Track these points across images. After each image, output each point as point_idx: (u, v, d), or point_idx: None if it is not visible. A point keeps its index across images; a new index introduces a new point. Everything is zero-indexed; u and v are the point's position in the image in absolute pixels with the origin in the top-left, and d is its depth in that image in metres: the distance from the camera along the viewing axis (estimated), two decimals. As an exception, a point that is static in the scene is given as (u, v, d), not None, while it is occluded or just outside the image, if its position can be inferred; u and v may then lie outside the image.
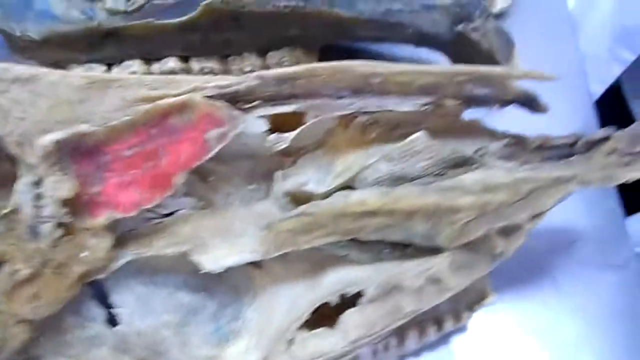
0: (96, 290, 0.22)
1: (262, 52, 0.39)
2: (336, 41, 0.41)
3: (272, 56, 0.39)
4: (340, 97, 0.25)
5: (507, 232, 0.25)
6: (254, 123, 0.23)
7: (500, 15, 0.50)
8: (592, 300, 0.35)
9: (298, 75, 0.24)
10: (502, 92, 0.28)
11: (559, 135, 0.30)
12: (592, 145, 0.29)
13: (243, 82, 0.23)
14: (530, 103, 0.29)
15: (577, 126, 0.41)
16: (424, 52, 0.43)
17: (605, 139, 0.28)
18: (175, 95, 0.22)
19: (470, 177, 0.25)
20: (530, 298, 0.35)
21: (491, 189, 0.25)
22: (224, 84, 0.22)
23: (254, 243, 0.22)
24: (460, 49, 0.41)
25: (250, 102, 0.23)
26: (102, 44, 0.35)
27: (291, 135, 0.24)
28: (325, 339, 0.22)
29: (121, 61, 0.36)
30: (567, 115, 0.43)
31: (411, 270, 0.24)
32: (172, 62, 0.37)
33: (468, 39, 0.40)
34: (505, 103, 0.29)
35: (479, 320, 0.33)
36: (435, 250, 0.25)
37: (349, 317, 0.23)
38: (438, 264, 0.24)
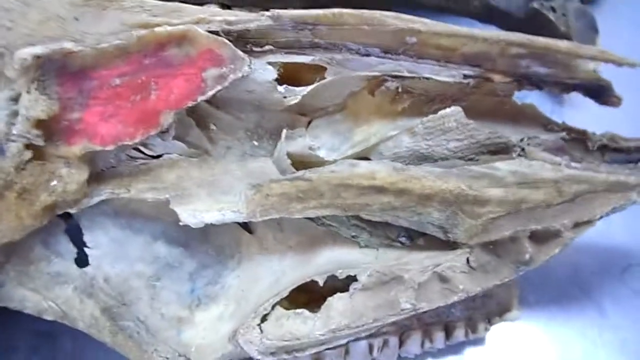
0: (70, 226, 0.20)
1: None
2: (393, 7, 0.38)
3: (320, 15, 0.36)
4: (367, 55, 0.22)
5: (541, 237, 0.21)
6: (263, 70, 0.20)
7: (590, 0, 0.44)
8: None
9: (320, 20, 0.21)
10: (567, 74, 0.23)
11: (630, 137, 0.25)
12: (672, 153, 0.24)
13: (255, 20, 0.20)
14: (601, 92, 0.24)
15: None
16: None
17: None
18: (177, 25, 0.19)
19: (505, 167, 0.21)
20: (567, 323, 0.30)
21: (529, 184, 0.21)
22: (232, 20, 0.20)
23: (239, 202, 0.19)
24: (532, 29, 0.36)
25: (262, 46, 0.21)
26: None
27: (304, 90, 0.21)
28: (304, 322, 0.20)
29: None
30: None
31: (417, 263, 0.21)
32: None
33: (543, 18, 0.35)
34: (568, 88, 0.24)
35: (500, 335, 0.29)
36: (451, 245, 0.22)
37: (335, 302, 0.20)
38: (450, 260, 0.21)
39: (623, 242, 0.32)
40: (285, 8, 0.38)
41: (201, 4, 0.36)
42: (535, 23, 0.36)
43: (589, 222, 0.21)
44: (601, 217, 0.21)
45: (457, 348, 0.28)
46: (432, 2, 0.37)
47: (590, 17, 0.36)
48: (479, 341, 0.29)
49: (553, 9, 0.36)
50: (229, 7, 0.35)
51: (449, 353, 0.28)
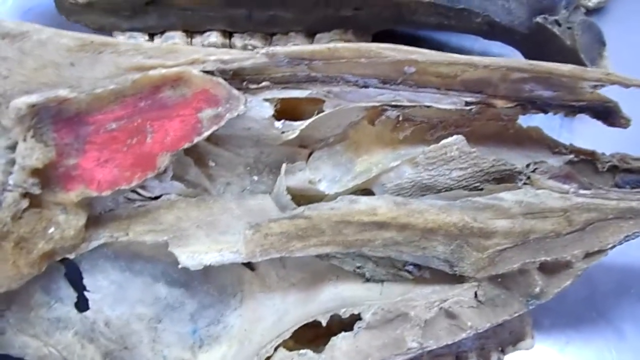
0: (70, 270, 0.20)
1: (310, 33, 0.36)
2: (394, 26, 0.37)
3: (321, 38, 0.36)
4: (366, 86, 0.22)
5: (551, 269, 0.21)
6: (260, 107, 0.20)
7: (595, 11, 0.43)
8: (663, 362, 0.29)
9: (315, 55, 0.20)
10: (572, 96, 0.23)
11: (641, 156, 0.24)
12: (686, 173, 0.23)
13: (250, 58, 0.20)
14: (608, 114, 0.24)
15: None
16: (495, 47, 0.38)
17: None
18: (171, 67, 0.19)
19: (510, 197, 0.20)
20: (584, 346, 0.29)
21: (536, 214, 0.20)
22: (227, 59, 0.20)
23: (238, 243, 0.19)
24: (538, 44, 0.35)
25: (258, 82, 0.21)
26: (145, 12, 0.34)
27: (302, 124, 0.21)
28: (308, 364, 0.19)
29: (163, 32, 0.35)
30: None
31: (423, 298, 0.20)
32: (214, 37, 0.36)
33: (548, 32, 0.35)
34: (575, 110, 0.24)
35: (514, 362, 0.28)
36: (458, 279, 0.21)
37: (339, 342, 0.20)
38: (457, 295, 0.20)
39: (640, 262, 0.31)
40: (286, 33, 0.38)
41: (203, 32, 0.37)
42: (540, 38, 0.35)
43: (600, 252, 0.21)
44: (613, 247, 0.21)
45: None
46: (434, 21, 0.36)
47: (596, 29, 0.36)
48: (493, 369, 0.28)
49: (558, 23, 0.35)
50: (230, 34, 0.36)
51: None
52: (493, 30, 0.36)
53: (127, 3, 0.34)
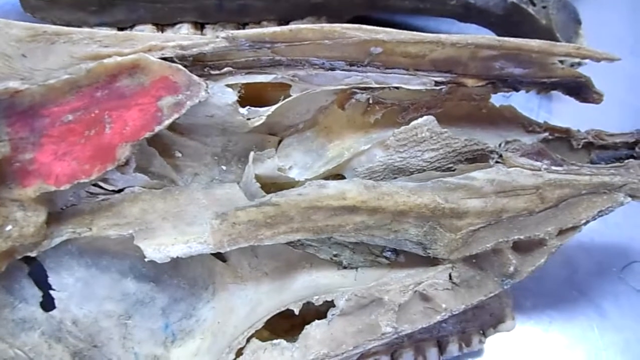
0: (34, 269, 0.20)
1: (283, 21, 0.35)
2: (368, 12, 0.37)
3: (294, 26, 0.35)
4: (332, 68, 0.21)
5: (525, 247, 0.20)
6: (222, 93, 0.20)
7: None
8: (644, 336, 0.29)
9: (277, 37, 0.20)
10: (543, 73, 0.22)
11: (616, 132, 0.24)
12: (660, 147, 0.23)
13: (209, 43, 0.19)
14: (581, 89, 0.23)
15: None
16: (471, 30, 0.37)
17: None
18: (127, 55, 0.19)
19: (482, 176, 0.20)
20: (567, 326, 0.29)
21: (508, 192, 0.20)
22: (186, 44, 0.19)
23: (205, 233, 0.19)
24: (513, 24, 0.35)
25: (220, 68, 0.20)
26: (112, 5, 0.34)
27: (269, 109, 0.21)
28: (282, 353, 0.19)
29: (132, 26, 0.34)
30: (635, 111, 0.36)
31: (397, 282, 0.20)
32: (185, 29, 0.35)
33: (523, 12, 0.34)
34: (547, 87, 0.23)
35: (498, 343, 0.28)
36: (432, 261, 0.21)
37: (313, 330, 0.19)
38: (431, 277, 0.20)
39: (620, 240, 0.31)
40: (259, 22, 0.37)
41: (173, 24, 0.36)
42: (515, 18, 0.35)
43: (574, 228, 0.20)
44: (587, 222, 0.20)
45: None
46: (409, 5, 0.36)
47: (571, 8, 0.35)
48: (478, 352, 0.27)
49: (532, 3, 0.35)
50: (202, 25, 0.35)
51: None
52: (468, 13, 0.36)
53: (94, -3, 0.33)
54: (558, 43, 0.21)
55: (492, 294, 0.20)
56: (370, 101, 0.22)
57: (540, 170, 0.20)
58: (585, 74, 0.23)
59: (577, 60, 0.32)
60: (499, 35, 0.36)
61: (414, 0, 0.35)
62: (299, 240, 0.21)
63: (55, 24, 0.33)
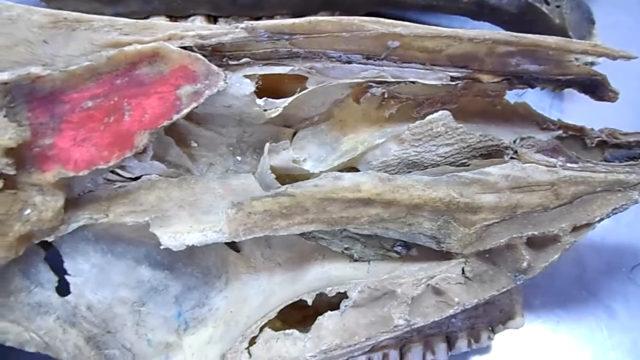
0: (50, 254, 0.20)
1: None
2: (381, 8, 0.37)
3: (307, 21, 0.35)
4: (349, 62, 0.21)
5: (539, 243, 0.20)
6: (240, 83, 0.20)
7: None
8: (653, 338, 0.29)
9: (296, 29, 0.20)
10: (559, 70, 0.22)
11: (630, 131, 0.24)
12: (675, 147, 0.23)
13: (229, 33, 0.19)
14: (596, 87, 0.23)
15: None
16: (484, 27, 0.37)
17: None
18: (148, 43, 0.19)
19: (497, 171, 0.20)
20: (575, 326, 0.29)
21: (523, 188, 0.20)
22: (205, 34, 0.19)
23: (221, 222, 0.19)
24: (527, 23, 0.35)
25: (238, 59, 0.20)
26: (128, -4, 0.34)
27: (285, 101, 0.21)
28: (294, 343, 0.19)
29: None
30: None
31: (410, 276, 0.20)
32: (198, 21, 0.35)
33: (537, 10, 0.34)
34: (562, 84, 0.23)
35: (507, 341, 0.28)
36: (445, 255, 0.21)
37: (326, 321, 0.19)
38: (444, 271, 0.20)
39: (630, 240, 0.30)
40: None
41: (187, 17, 0.36)
42: (529, 17, 0.35)
43: (588, 225, 0.20)
44: (601, 220, 0.20)
45: (463, 357, 0.27)
46: (422, 2, 0.36)
47: (585, 7, 0.35)
48: (485, 348, 0.28)
49: (546, 2, 0.35)
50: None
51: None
52: (482, 10, 0.36)
53: (109, -13, 0.33)
54: (575, 40, 0.21)
55: (504, 289, 0.20)
56: (386, 95, 0.22)
57: (555, 166, 0.20)
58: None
59: (590, 59, 0.32)
60: (512, 33, 0.36)
61: (427, -3, 0.35)
62: (311, 232, 0.21)
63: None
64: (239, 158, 0.22)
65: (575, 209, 0.20)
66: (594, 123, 0.26)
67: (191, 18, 0.35)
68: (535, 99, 0.30)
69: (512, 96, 0.26)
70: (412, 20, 0.41)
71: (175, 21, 0.35)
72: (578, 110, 0.36)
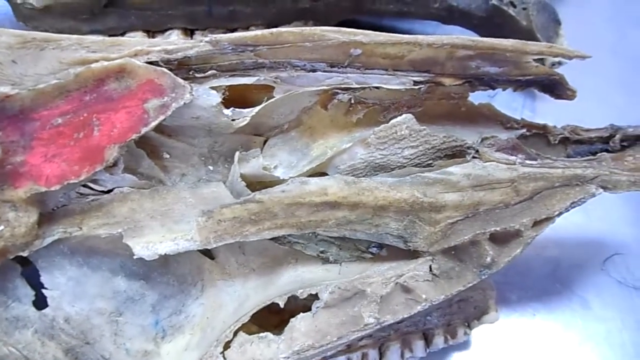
0: (26, 268, 0.20)
1: (271, 26, 0.36)
2: (355, 16, 0.38)
3: (281, 31, 0.36)
4: (314, 70, 0.22)
5: (502, 239, 0.21)
6: (207, 95, 0.20)
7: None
8: (627, 326, 0.29)
9: (259, 40, 0.21)
10: (518, 71, 0.23)
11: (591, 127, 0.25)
12: (634, 141, 0.24)
13: (193, 47, 0.20)
14: (554, 86, 0.24)
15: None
16: (455, 32, 0.38)
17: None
18: (115, 59, 0.19)
19: (458, 171, 0.21)
20: (551, 318, 0.30)
21: (484, 185, 0.21)
22: (171, 49, 0.20)
23: (192, 231, 0.19)
24: (495, 26, 0.36)
25: (204, 71, 0.21)
26: (104, 14, 0.34)
27: (252, 110, 0.21)
28: (268, 345, 0.20)
29: (123, 33, 0.35)
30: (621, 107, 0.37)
31: (380, 275, 0.21)
32: (175, 35, 0.36)
33: (504, 14, 0.35)
34: (522, 84, 0.24)
35: (485, 335, 0.28)
36: (413, 254, 0.21)
37: (298, 322, 0.20)
38: (412, 270, 0.21)
39: (602, 233, 0.31)
40: (247, 27, 0.38)
41: (164, 31, 0.37)
42: (497, 20, 0.36)
43: (548, 219, 0.21)
44: (560, 214, 0.21)
45: (443, 353, 0.28)
46: (394, 8, 0.37)
47: (551, 9, 0.36)
48: (465, 344, 0.28)
49: (512, 4, 0.36)
50: (191, 31, 0.36)
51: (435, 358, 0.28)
52: (451, 15, 0.37)
53: (84, 6, 0.33)
54: (531, 42, 0.22)
55: (470, 284, 0.21)
56: (352, 101, 0.23)
57: (515, 164, 0.21)
58: (568, 73, 0.24)
59: (557, 59, 0.33)
60: (481, 36, 0.37)
61: (398, 4, 0.36)
62: (286, 237, 0.22)
63: (47, 32, 0.34)
64: (211, 168, 0.23)
65: (535, 204, 0.21)
66: (565, 121, 0.27)
67: (168, 32, 0.36)
68: (508, 99, 0.31)
69: (484, 97, 0.26)
70: (386, 26, 0.42)
71: (153, 36, 0.36)
72: (550, 109, 0.37)
